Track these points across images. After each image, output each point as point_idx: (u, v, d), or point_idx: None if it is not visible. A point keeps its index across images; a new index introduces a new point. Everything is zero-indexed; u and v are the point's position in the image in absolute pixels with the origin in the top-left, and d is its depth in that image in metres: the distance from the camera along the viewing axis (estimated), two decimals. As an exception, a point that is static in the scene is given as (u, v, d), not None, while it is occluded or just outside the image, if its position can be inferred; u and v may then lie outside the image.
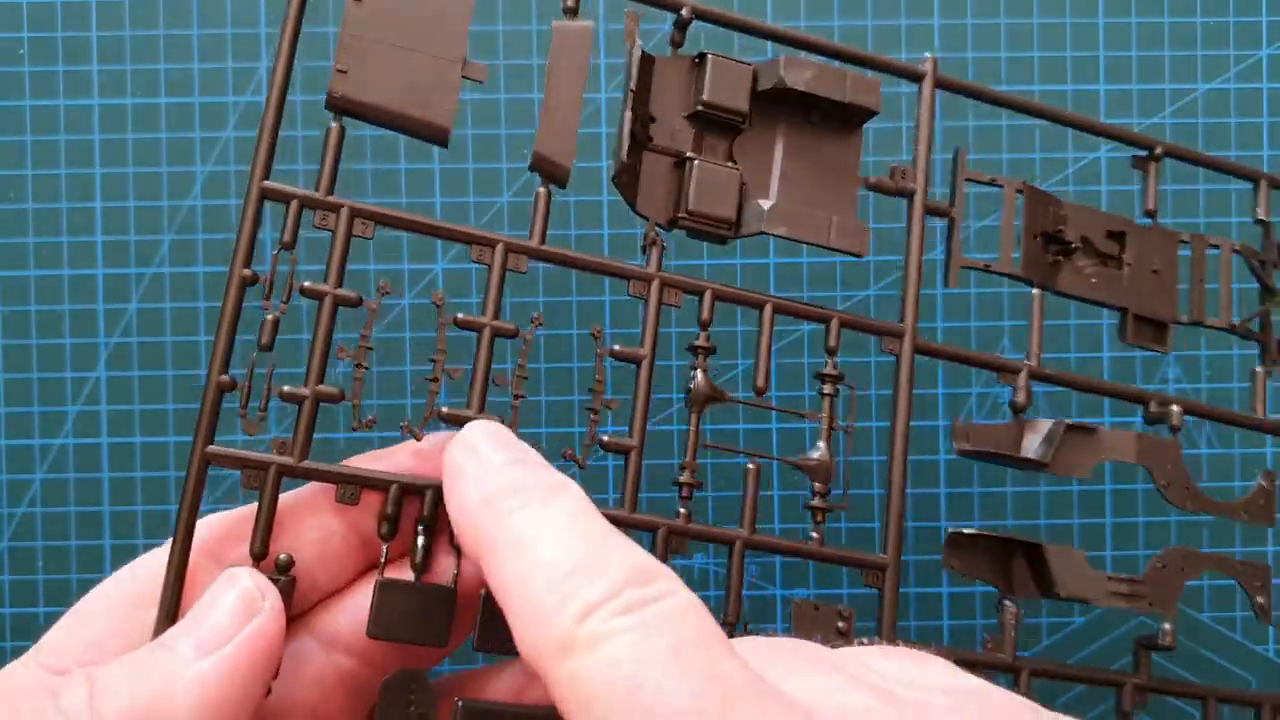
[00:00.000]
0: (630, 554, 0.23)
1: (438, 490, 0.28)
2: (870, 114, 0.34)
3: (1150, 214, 0.37)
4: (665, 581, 0.22)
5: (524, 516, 0.24)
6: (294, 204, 0.29)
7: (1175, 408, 0.35)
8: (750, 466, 0.32)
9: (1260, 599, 0.36)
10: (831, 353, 0.33)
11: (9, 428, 0.41)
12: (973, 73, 0.43)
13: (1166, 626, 0.34)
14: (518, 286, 0.38)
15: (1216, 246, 0.38)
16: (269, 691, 0.27)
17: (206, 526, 0.28)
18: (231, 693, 0.24)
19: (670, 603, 0.22)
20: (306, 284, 0.29)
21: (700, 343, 0.32)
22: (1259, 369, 0.37)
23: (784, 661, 0.24)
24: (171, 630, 0.25)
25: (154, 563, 0.27)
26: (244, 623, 0.25)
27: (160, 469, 0.40)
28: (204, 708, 0.24)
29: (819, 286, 0.42)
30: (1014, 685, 0.33)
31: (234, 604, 0.25)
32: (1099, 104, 0.44)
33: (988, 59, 0.44)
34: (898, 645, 0.26)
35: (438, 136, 0.30)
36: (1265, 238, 0.39)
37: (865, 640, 0.29)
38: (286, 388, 0.28)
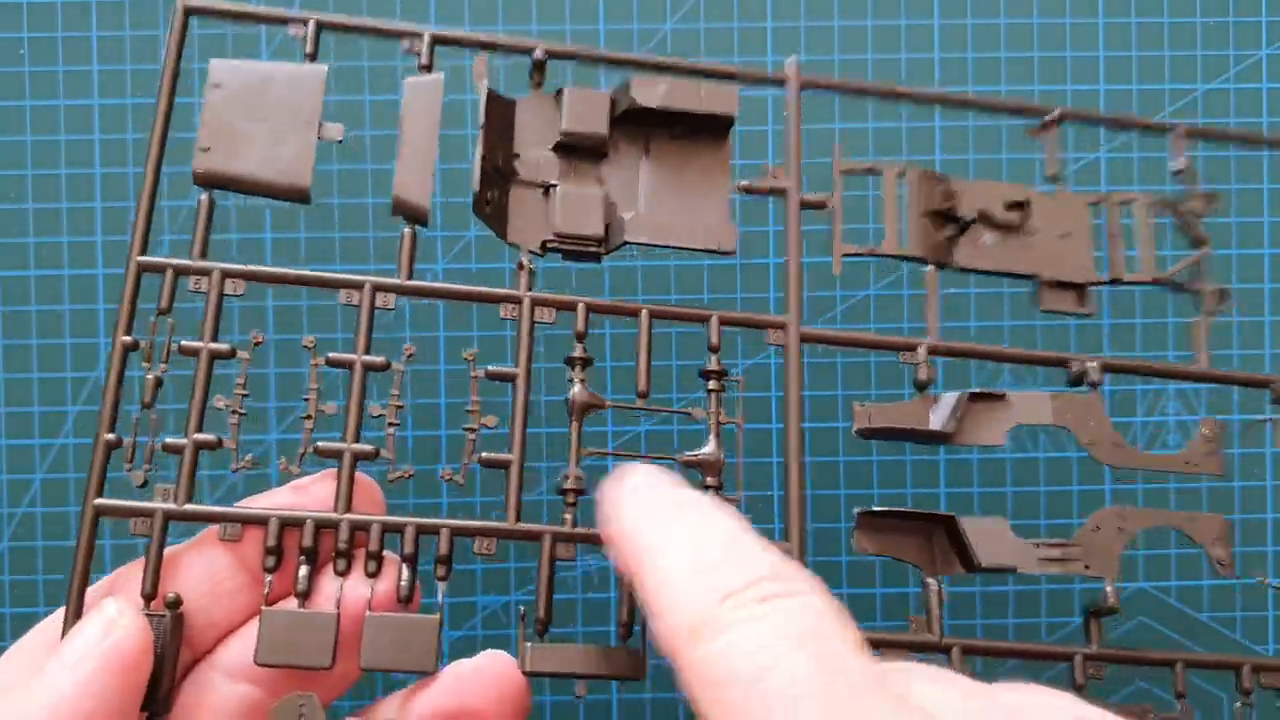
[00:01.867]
0: (771, 553, 0.24)
1: (316, 522, 0.30)
2: (730, 120, 0.35)
3: (1053, 179, 0.37)
4: (802, 582, 0.23)
5: (677, 520, 0.25)
6: (169, 273, 0.31)
7: (1093, 363, 0.34)
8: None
9: (1218, 551, 0.33)
10: (714, 350, 0.33)
11: (9, 428, 0.41)
12: (972, 74, 0.44)
13: (1108, 589, 0.32)
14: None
15: (1129, 202, 0.37)
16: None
17: (115, 573, 0.30)
18: (86, 705, 0.25)
19: (804, 599, 0.23)
20: (183, 342, 0.31)
21: (577, 354, 0.33)
22: (1199, 318, 0.36)
23: (908, 672, 0.24)
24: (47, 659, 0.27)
25: (44, 628, 0.29)
26: (103, 639, 0.26)
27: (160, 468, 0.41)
28: (64, 713, 0.25)
29: (818, 287, 0.42)
30: (947, 664, 0.32)
31: (94, 626, 0.27)
32: (1099, 104, 0.44)
33: (988, 59, 0.44)
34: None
35: (298, 196, 0.32)
36: (1189, 182, 0.37)
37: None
38: (168, 439, 0.30)
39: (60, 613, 0.29)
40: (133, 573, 0.30)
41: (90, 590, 0.29)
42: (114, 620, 0.27)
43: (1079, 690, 0.32)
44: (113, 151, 0.42)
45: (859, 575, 0.41)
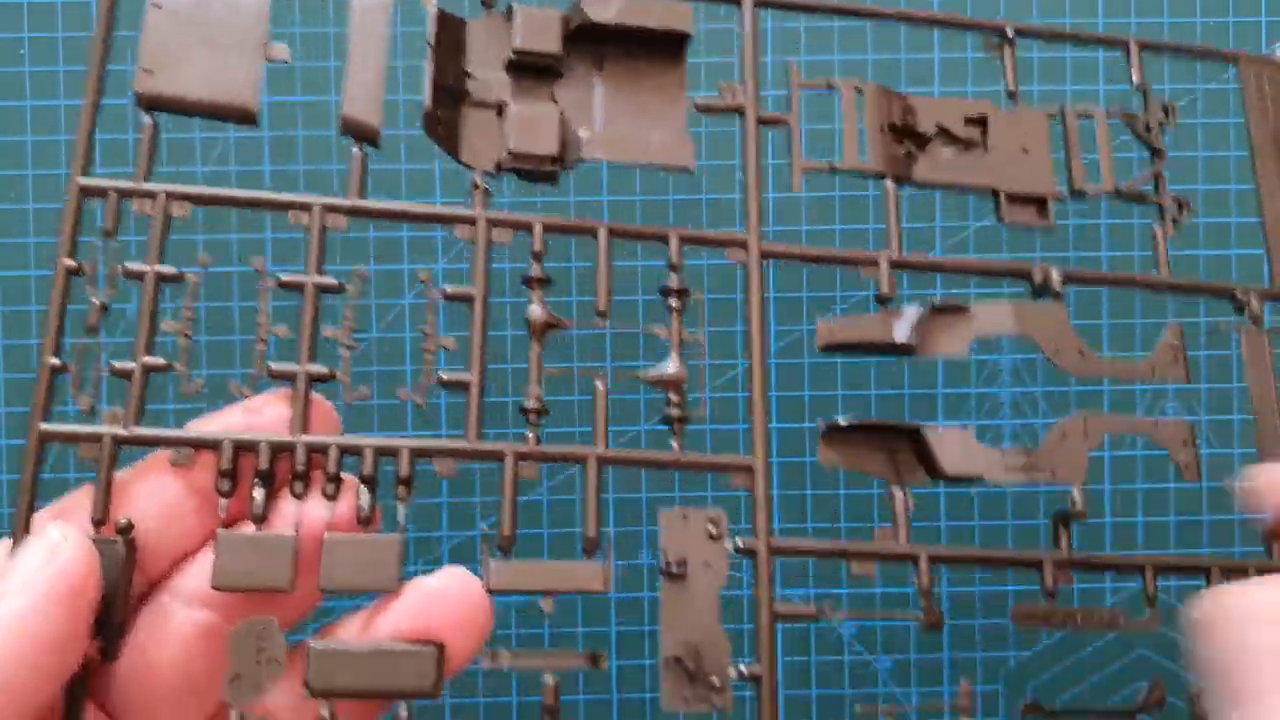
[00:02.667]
0: None
1: (272, 445, 0.29)
2: (684, 37, 0.34)
3: (1011, 96, 0.36)
4: None
5: None
6: (112, 195, 0.30)
7: (1055, 273, 0.34)
8: (598, 384, 0.32)
9: (1182, 456, 0.33)
10: (674, 268, 0.33)
11: (9, 427, 0.41)
12: (972, 74, 0.44)
13: (1075, 494, 0.32)
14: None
15: (1089, 116, 0.37)
16: (116, 649, 0.27)
17: (61, 499, 0.29)
18: (33, 629, 0.25)
19: None
20: (128, 264, 0.30)
21: (535, 274, 0.32)
22: (1157, 228, 0.36)
23: None
24: None
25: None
26: (47, 564, 0.25)
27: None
28: (8, 641, 0.24)
29: (818, 287, 0.42)
30: (915, 573, 0.31)
31: (38, 550, 0.26)
32: (1098, 104, 0.43)
33: (987, 59, 0.43)
34: None
35: (244, 116, 0.32)
36: (1145, 100, 0.37)
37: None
38: (116, 363, 0.29)
39: (7, 540, 0.28)
40: (80, 499, 0.29)
41: (35, 516, 0.28)
42: (58, 544, 0.26)
43: (1049, 597, 0.32)
44: (113, 151, 0.41)
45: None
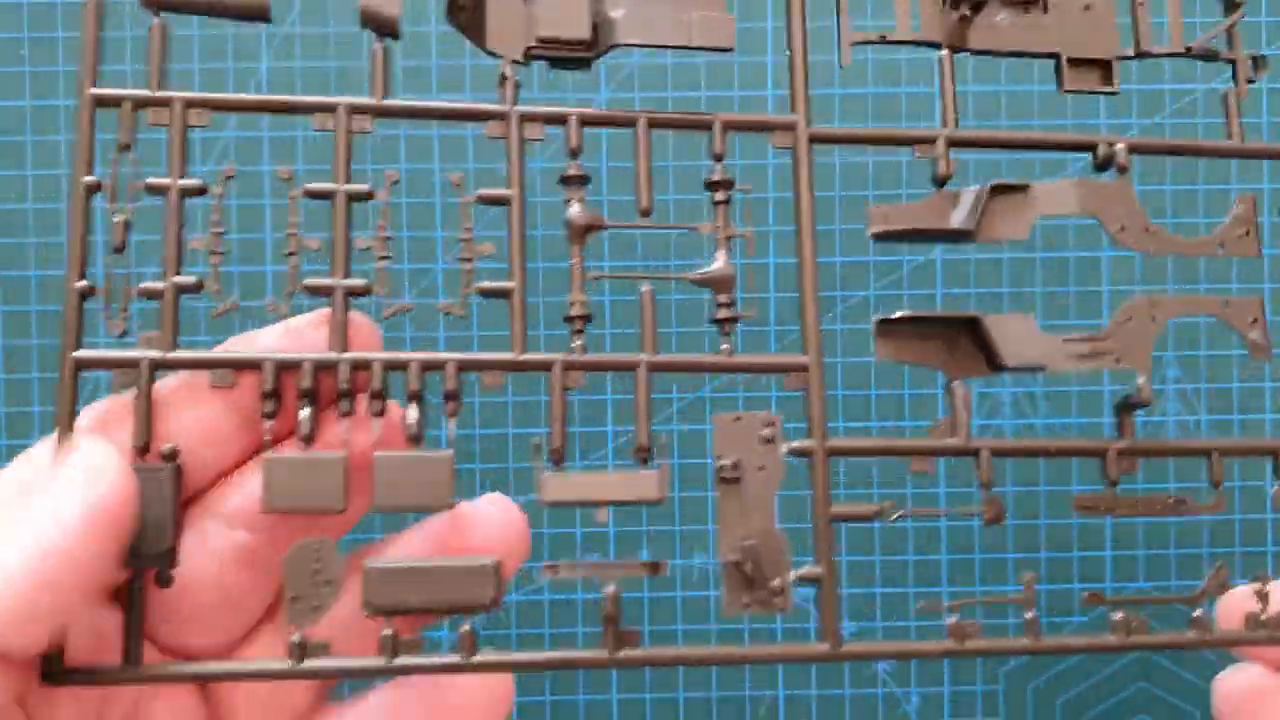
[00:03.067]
0: None
1: (315, 363, 0.28)
2: (721, -97, 0.32)
3: (1073, -51, 0.34)
4: None
5: None
6: (127, 105, 0.29)
7: (1120, 145, 0.32)
8: (645, 289, 0.30)
9: (1254, 335, 0.32)
10: (719, 159, 0.31)
11: (10, 427, 0.41)
12: (972, 74, 0.42)
13: (1141, 381, 0.31)
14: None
15: (1156, -32, 0.34)
16: (169, 577, 0.27)
17: (86, 415, 0.28)
18: (74, 555, 0.24)
19: None
20: (150, 180, 0.29)
21: (572, 172, 0.31)
22: (1229, 89, 0.34)
23: None
24: (23, 498, 0.25)
25: (33, 456, 0.27)
26: (87, 490, 0.25)
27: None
28: (42, 565, 0.24)
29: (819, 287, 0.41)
30: (975, 469, 0.31)
31: (77, 473, 0.25)
32: (1099, 104, 0.41)
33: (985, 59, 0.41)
34: None
35: (257, 13, 0.30)
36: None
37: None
38: (145, 284, 0.28)
39: (47, 443, 0.27)
40: (120, 411, 0.28)
41: (76, 426, 0.27)
42: (100, 469, 0.25)
43: (1112, 485, 0.31)
44: (112, 151, 0.40)
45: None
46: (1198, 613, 0.31)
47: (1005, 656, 0.32)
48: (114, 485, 0.25)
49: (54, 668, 0.26)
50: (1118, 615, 0.31)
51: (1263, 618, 0.31)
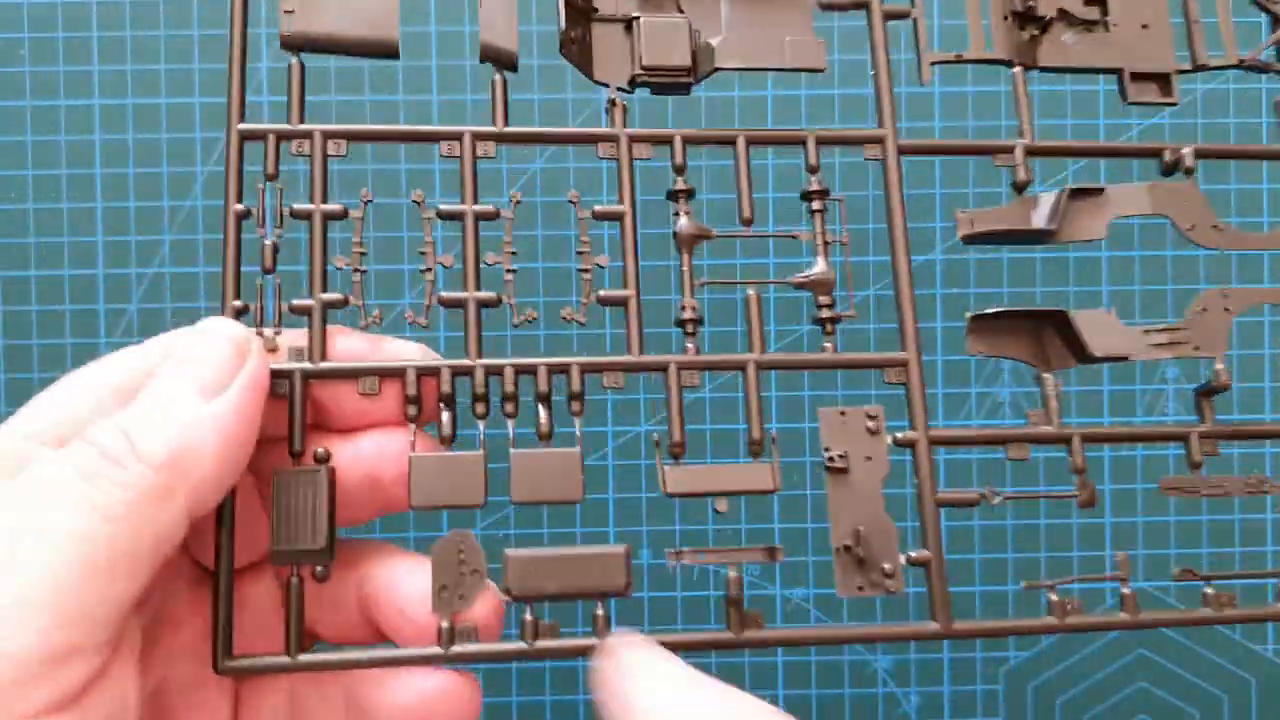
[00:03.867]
0: None
1: (452, 369, 0.30)
2: (804, -63, 0.34)
3: (1130, -30, 0.36)
4: None
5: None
6: (271, 138, 0.31)
7: (1187, 149, 0.34)
8: (750, 293, 0.32)
9: (1321, 324, 0.34)
10: (813, 170, 0.33)
11: None
12: (972, 71, 0.42)
13: (1219, 366, 0.33)
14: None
15: (1208, -14, 0.36)
16: (329, 570, 0.29)
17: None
18: (240, 428, 0.27)
19: None
20: (295, 205, 0.31)
21: (679, 186, 0.33)
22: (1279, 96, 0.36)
23: None
24: (166, 380, 0.27)
25: (124, 356, 0.29)
26: (239, 365, 0.27)
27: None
28: (224, 443, 0.27)
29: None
30: (1068, 455, 0.32)
31: (225, 348, 0.28)
32: (1098, 104, 0.43)
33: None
34: None
35: (387, 50, 0.32)
36: (1264, -33, 0.37)
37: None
38: (295, 300, 0.30)
39: (119, 357, 0.29)
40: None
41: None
42: (241, 342, 0.28)
43: (1195, 468, 0.33)
44: (113, 151, 0.42)
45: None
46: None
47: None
48: (259, 354, 0.28)
49: (224, 657, 0.28)
50: (1209, 590, 0.32)
51: (1347, 590, 0.32)
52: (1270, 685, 0.44)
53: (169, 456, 0.26)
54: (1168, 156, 0.34)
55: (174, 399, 0.27)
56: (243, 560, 0.30)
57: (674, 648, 0.30)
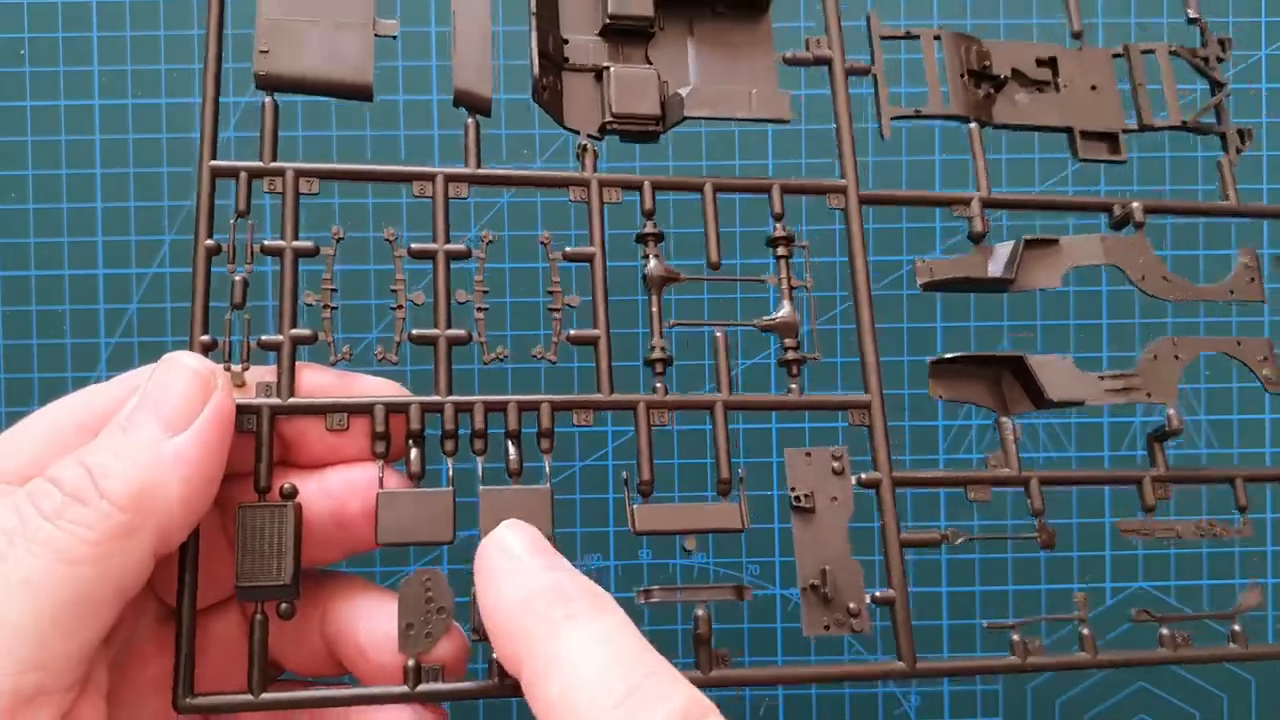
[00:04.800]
0: (683, 689, 0.24)
1: (421, 405, 0.30)
2: (769, -7, 0.35)
3: (1077, 36, 0.38)
4: (716, 718, 0.23)
5: (570, 628, 0.25)
6: (243, 175, 0.31)
7: (1136, 204, 0.36)
8: (718, 334, 0.33)
9: (1266, 371, 0.35)
10: (778, 218, 0.34)
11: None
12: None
13: (1171, 412, 0.34)
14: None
15: (1151, 52, 0.38)
16: (294, 608, 0.29)
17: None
18: (205, 463, 0.27)
19: None
20: (266, 242, 0.31)
21: (648, 230, 0.33)
22: (1223, 159, 0.37)
23: None
24: (128, 415, 0.27)
25: (88, 394, 0.29)
26: (203, 399, 0.27)
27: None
28: (187, 480, 0.26)
29: (820, 288, 0.43)
30: (1025, 497, 0.33)
31: (190, 383, 0.27)
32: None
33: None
34: None
35: (361, 93, 0.32)
36: (1202, 34, 0.39)
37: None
38: (265, 336, 0.30)
39: (81, 395, 0.29)
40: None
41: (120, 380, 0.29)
42: (207, 377, 0.28)
43: (1149, 511, 0.34)
44: (113, 151, 0.42)
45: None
46: (1236, 628, 0.33)
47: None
48: (224, 388, 0.28)
49: (185, 695, 0.28)
50: (1165, 631, 0.33)
51: (1297, 631, 0.33)
52: (1270, 685, 0.44)
53: (132, 494, 0.26)
54: (1117, 211, 0.36)
55: (137, 435, 0.27)
56: (210, 597, 0.30)
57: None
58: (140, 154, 0.42)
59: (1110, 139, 0.37)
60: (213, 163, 0.31)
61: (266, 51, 0.32)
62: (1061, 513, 0.43)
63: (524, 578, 0.26)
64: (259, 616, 0.29)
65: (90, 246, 0.42)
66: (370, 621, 0.29)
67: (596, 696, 0.23)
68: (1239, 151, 0.38)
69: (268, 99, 0.32)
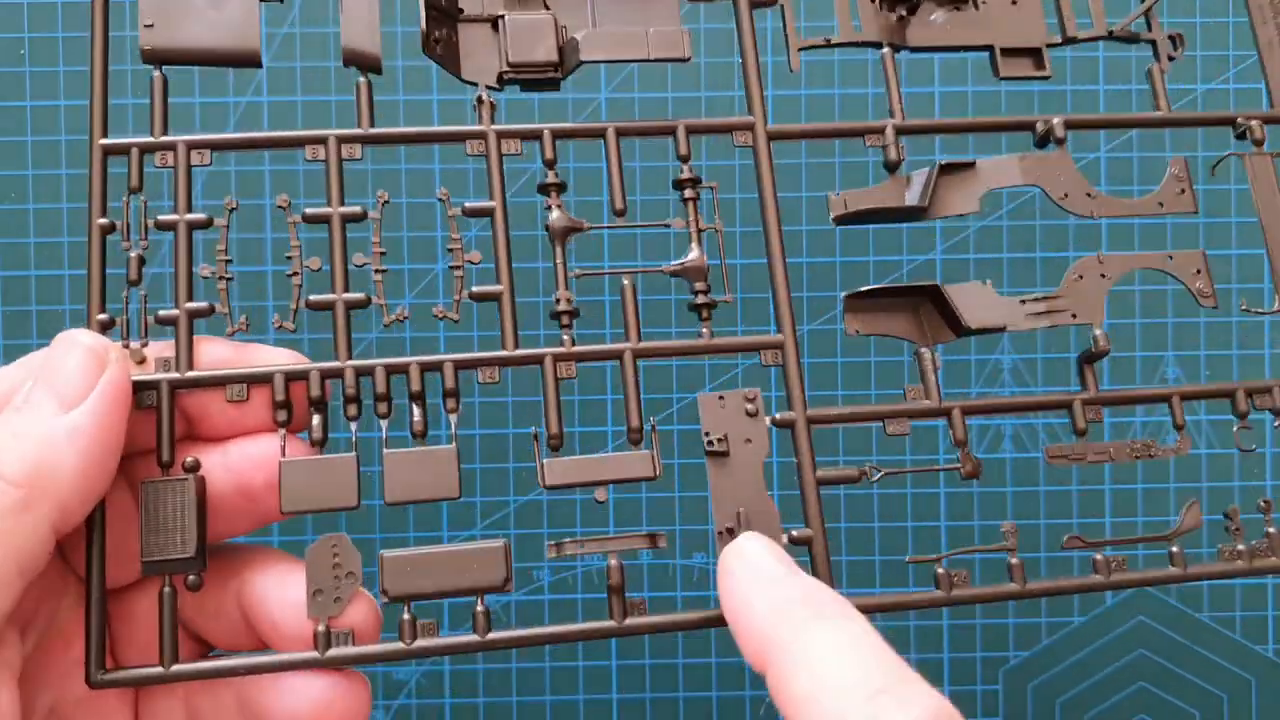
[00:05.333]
0: (932, 695, 0.25)
1: (321, 372, 0.30)
2: (668, -70, 0.34)
3: (997, -49, 0.36)
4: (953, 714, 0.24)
5: (820, 629, 0.25)
6: (135, 151, 0.31)
7: (1057, 119, 0.34)
8: (625, 282, 0.32)
9: (1199, 284, 0.34)
10: (684, 159, 0.33)
11: None
12: (971, 75, 0.44)
13: (1097, 333, 0.33)
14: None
15: (1075, -39, 0.37)
16: (201, 579, 0.29)
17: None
18: (101, 437, 0.27)
19: None
20: (160, 217, 0.31)
21: (550, 180, 0.33)
22: (1153, 66, 0.36)
23: None
24: (24, 396, 0.27)
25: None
26: (97, 374, 0.27)
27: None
28: (84, 454, 0.26)
29: (819, 287, 0.43)
30: (949, 428, 0.32)
31: (83, 359, 0.27)
32: (1099, 103, 0.43)
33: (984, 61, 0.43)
34: None
35: (249, 60, 0.32)
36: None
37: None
38: (161, 311, 0.30)
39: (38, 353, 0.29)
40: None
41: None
42: (100, 352, 0.28)
43: (1080, 435, 0.33)
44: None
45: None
46: (1175, 549, 0.33)
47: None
48: (118, 362, 0.28)
49: (97, 670, 0.28)
50: (1099, 556, 0.32)
51: (1238, 548, 0.33)
52: (1270, 685, 0.44)
53: (27, 471, 0.26)
54: (1039, 128, 0.35)
55: (32, 413, 0.27)
56: (131, 574, 0.30)
57: (552, 640, 0.30)
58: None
59: (1034, 54, 0.36)
60: (103, 140, 0.31)
61: (151, 25, 0.32)
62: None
63: (771, 583, 0.27)
64: (166, 589, 0.29)
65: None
66: (282, 591, 0.30)
67: (845, 694, 0.24)
68: (1171, 59, 0.36)
69: (156, 72, 0.32)
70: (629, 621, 0.30)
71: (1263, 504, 0.33)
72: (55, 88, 0.42)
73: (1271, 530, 0.33)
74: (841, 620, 0.26)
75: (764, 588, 0.27)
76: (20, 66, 0.42)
